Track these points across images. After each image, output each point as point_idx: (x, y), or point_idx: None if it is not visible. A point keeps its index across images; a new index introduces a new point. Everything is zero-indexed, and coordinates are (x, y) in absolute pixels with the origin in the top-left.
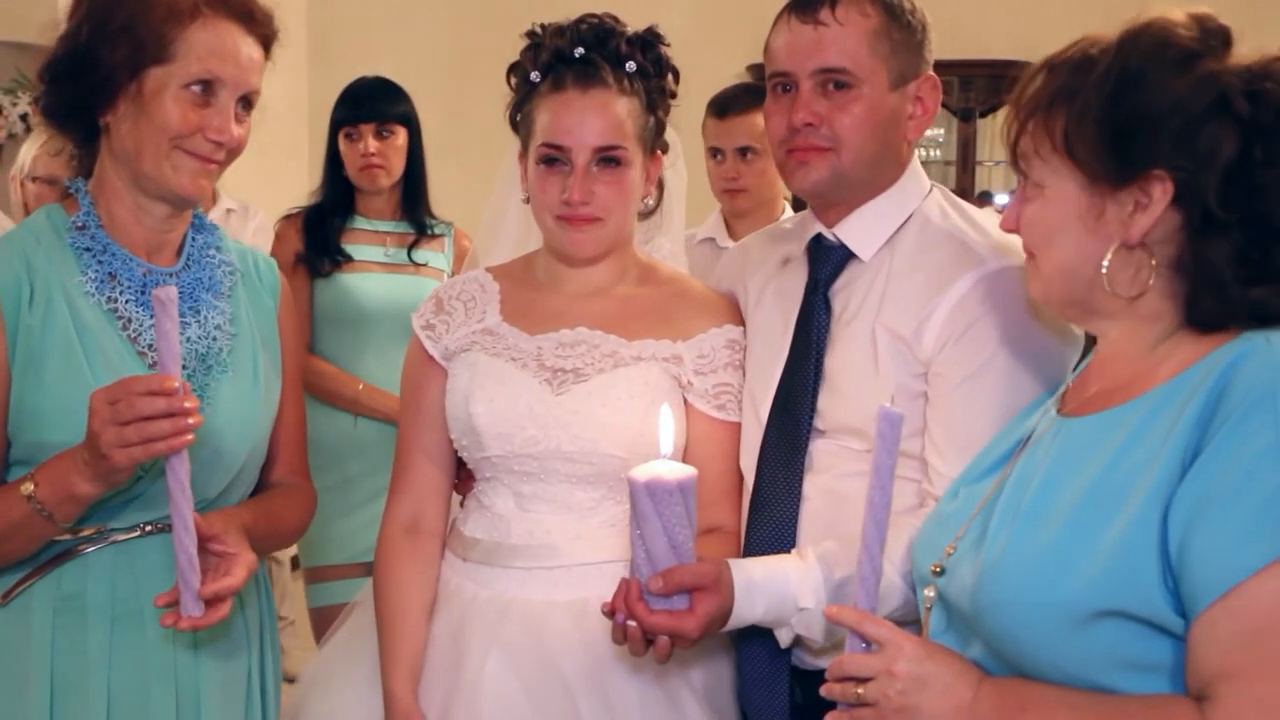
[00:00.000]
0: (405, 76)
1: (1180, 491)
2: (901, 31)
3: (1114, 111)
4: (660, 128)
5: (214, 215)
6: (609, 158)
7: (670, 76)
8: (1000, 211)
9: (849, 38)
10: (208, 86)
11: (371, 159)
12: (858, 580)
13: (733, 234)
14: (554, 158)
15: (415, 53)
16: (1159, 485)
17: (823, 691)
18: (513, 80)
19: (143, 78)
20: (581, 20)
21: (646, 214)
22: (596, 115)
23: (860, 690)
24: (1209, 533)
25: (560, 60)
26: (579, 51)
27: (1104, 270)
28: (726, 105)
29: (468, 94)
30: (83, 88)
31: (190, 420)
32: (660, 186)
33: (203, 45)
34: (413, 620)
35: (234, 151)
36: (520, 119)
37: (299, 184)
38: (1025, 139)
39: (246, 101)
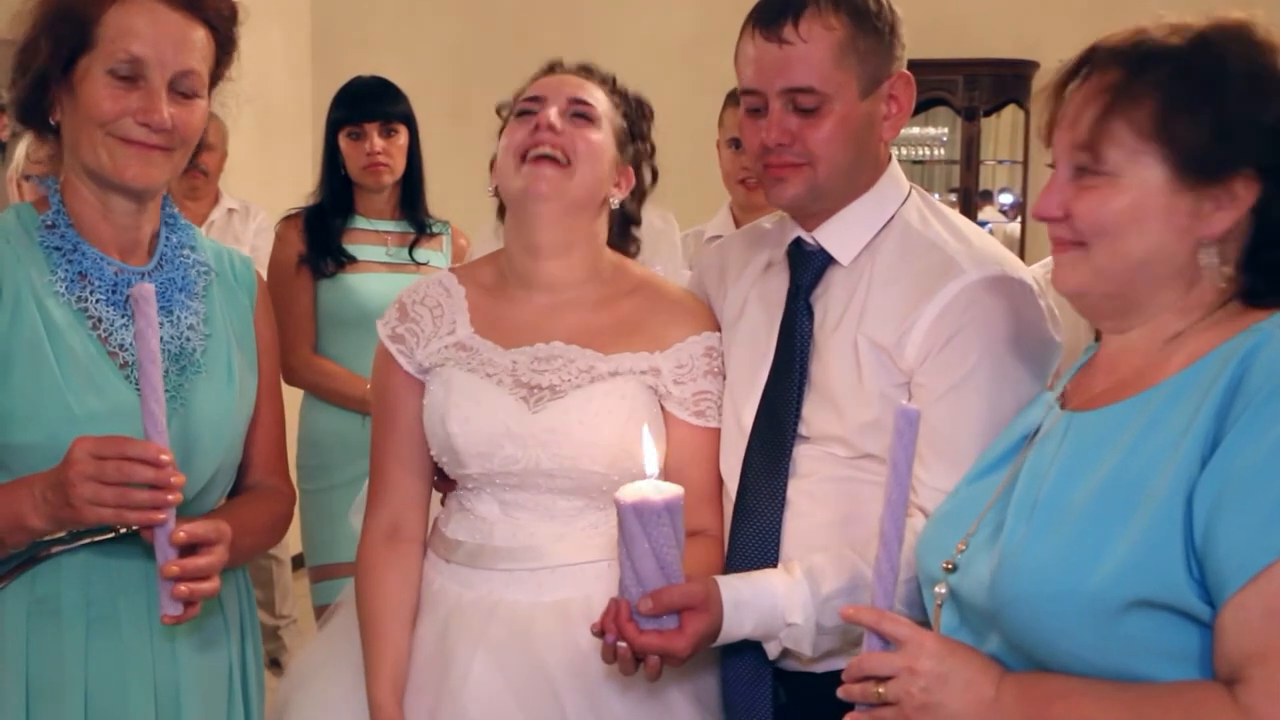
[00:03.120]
0: (409, 76)
1: (1203, 479)
2: (868, 38)
3: (1224, 106)
4: (634, 148)
5: (215, 215)
6: (581, 113)
7: (648, 127)
8: (1004, 211)
9: (813, 55)
10: (132, 68)
11: (377, 157)
12: (875, 578)
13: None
14: (528, 109)
15: (419, 52)
16: (1181, 474)
17: (840, 693)
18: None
19: (74, 69)
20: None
21: (626, 217)
22: (574, 81)
23: (881, 689)
24: (1233, 518)
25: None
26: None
27: (1204, 264)
28: None
29: (471, 93)
30: (30, 87)
31: (170, 497)
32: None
33: (120, 26)
34: (395, 627)
35: (179, 136)
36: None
37: (303, 183)
38: (1107, 123)
39: (186, 84)
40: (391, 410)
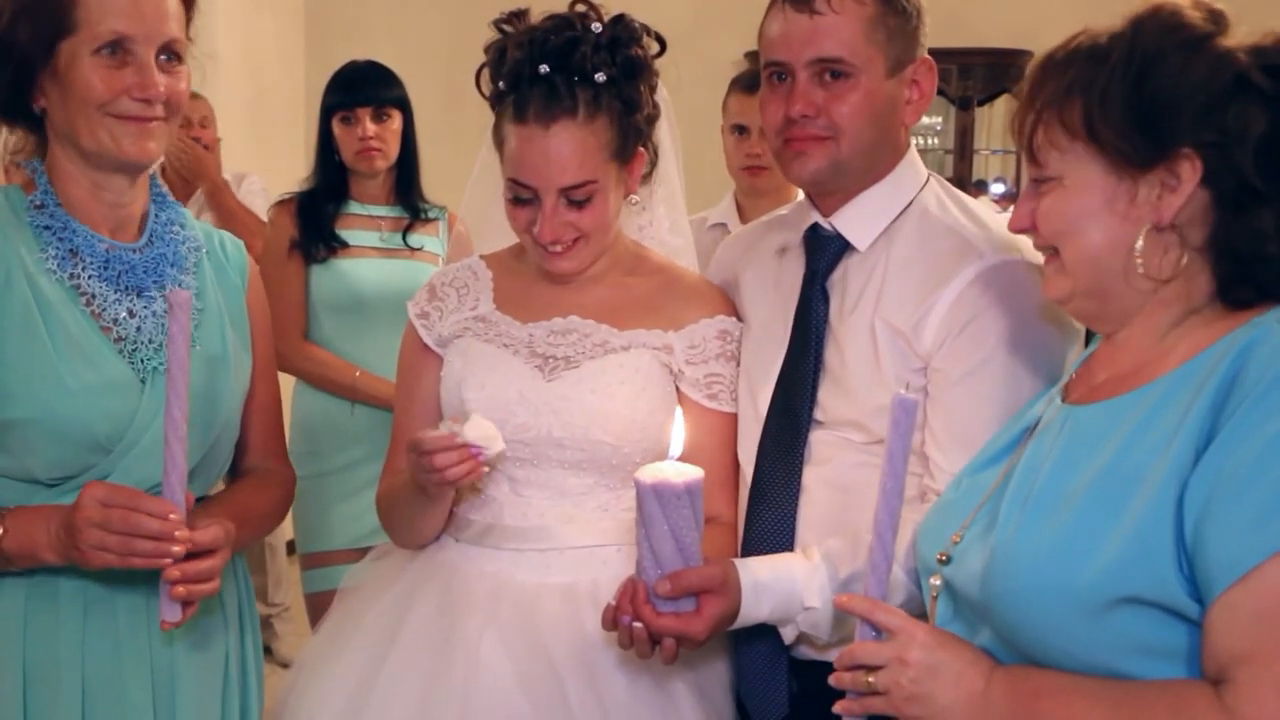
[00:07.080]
0: (403, 61)
1: (1195, 476)
2: (897, 17)
3: (1139, 92)
4: (636, 130)
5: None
6: (577, 199)
7: (649, 72)
8: (998, 201)
9: (845, 26)
10: (118, 46)
11: (370, 142)
12: (869, 567)
13: (745, 218)
14: (522, 196)
15: (413, 37)
16: (1173, 470)
17: (832, 680)
18: (483, 78)
19: (56, 53)
20: (546, 32)
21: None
22: (561, 149)
23: (871, 679)
24: (1225, 517)
25: (523, 79)
26: (542, 69)
27: (1137, 252)
28: (756, 82)
29: (465, 79)
30: (7, 76)
31: (175, 549)
32: (654, 152)
33: (100, 7)
34: None
35: (172, 105)
36: (495, 123)
37: (297, 169)
38: (1040, 133)
39: (171, 52)
40: (412, 387)
